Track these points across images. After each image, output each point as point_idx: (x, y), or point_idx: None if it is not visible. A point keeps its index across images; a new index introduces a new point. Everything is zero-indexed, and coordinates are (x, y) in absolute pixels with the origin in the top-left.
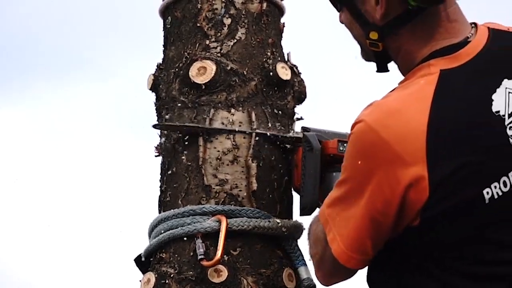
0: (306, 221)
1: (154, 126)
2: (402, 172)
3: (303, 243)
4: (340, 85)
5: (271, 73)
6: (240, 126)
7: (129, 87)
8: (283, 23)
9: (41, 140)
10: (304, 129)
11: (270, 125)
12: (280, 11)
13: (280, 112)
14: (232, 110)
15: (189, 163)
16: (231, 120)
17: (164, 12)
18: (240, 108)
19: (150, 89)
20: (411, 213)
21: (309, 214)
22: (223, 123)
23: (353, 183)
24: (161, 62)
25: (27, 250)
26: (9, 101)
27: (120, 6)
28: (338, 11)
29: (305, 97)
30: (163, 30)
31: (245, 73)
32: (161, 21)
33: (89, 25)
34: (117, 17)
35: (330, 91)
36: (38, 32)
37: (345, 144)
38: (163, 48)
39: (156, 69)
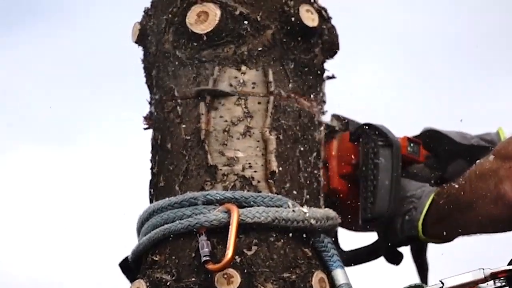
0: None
1: None
2: None
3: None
4: (383, 31)
5: (292, 19)
6: (253, 88)
7: (106, 39)
8: None
9: None
10: (337, 117)
11: (292, 86)
12: None
13: (305, 68)
14: (243, 68)
15: (188, 138)
16: (241, 81)
17: None
18: (253, 65)
19: (136, 42)
20: None
21: (378, 225)
22: (231, 85)
23: None
24: (149, 7)
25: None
26: None
27: None
28: None
29: (338, 49)
30: None
31: (259, 19)
32: None
33: None
34: None
35: (368, 41)
36: None
37: (412, 144)
38: None
39: (143, 16)
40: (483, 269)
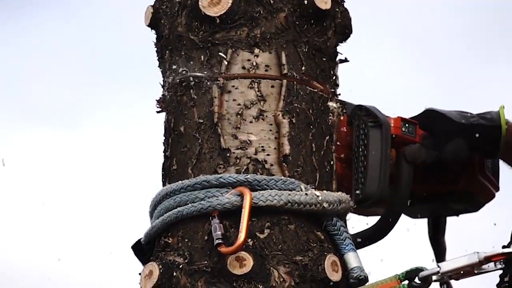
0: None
1: None
2: None
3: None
4: (394, 17)
5: (305, 1)
6: (266, 70)
7: (113, 26)
8: None
9: None
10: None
11: (305, 69)
12: None
13: (318, 51)
14: (256, 50)
15: (201, 121)
16: (254, 64)
17: None
18: (267, 48)
19: (149, 26)
20: None
21: (371, 206)
22: (244, 68)
23: None
24: None
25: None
26: None
27: None
28: None
29: (351, 32)
30: None
31: (272, 1)
32: None
33: None
34: None
35: (379, 25)
36: None
37: (407, 124)
38: None
39: None
40: (477, 253)
